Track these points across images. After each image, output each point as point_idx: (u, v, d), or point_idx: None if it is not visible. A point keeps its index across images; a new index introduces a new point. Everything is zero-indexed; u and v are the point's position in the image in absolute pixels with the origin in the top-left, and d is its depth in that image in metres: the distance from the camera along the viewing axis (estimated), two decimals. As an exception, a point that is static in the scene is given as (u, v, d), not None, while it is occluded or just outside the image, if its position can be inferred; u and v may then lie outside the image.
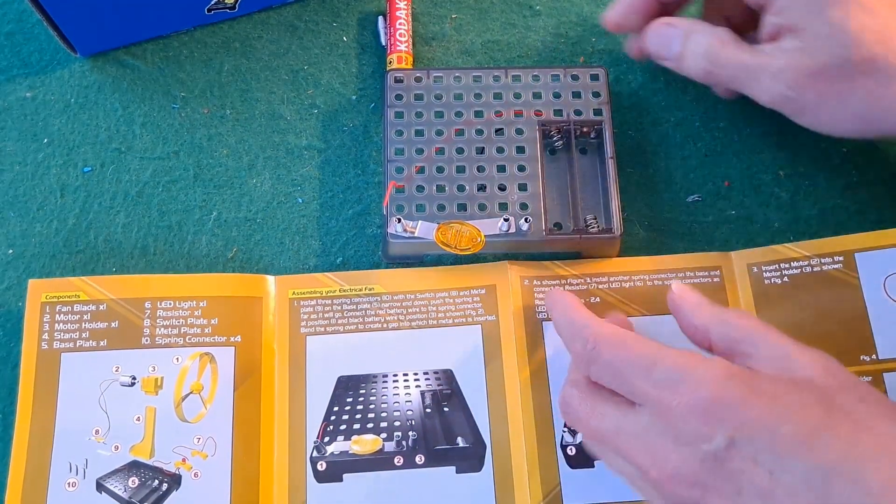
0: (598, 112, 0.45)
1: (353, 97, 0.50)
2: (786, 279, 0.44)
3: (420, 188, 0.43)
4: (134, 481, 0.41)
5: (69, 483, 0.41)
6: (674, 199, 0.47)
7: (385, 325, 0.44)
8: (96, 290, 0.44)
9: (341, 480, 0.41)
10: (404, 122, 0.44)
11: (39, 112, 0.49)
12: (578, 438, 0.42)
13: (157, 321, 0.44)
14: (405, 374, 0.43)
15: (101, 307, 0.44)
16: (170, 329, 0.44)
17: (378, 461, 0.41)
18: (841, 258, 0.44)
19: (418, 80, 0.45)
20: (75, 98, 0.50)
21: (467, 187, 0.43)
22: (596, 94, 0.45)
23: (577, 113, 0.45)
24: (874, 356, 0.42)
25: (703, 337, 0.36)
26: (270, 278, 0.45)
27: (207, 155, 0.49)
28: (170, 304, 0.44)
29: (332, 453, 0.42)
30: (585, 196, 0.45)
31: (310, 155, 0.49)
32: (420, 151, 0.44)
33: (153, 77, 0.50)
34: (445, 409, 0.42)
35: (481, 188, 0.43)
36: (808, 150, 0.48)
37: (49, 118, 0.49)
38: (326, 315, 0.44)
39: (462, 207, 0.42)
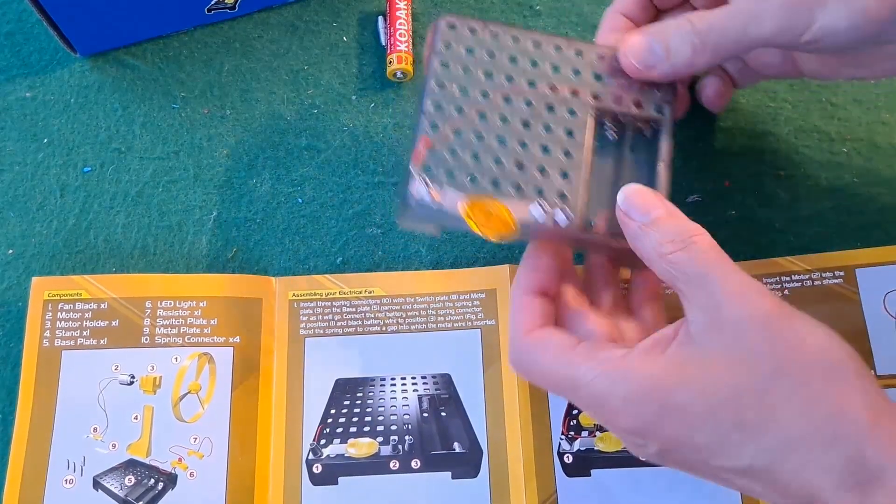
0: (659, 110, 0.40)
1: (353, 97, 0.50)
2: (786, 292, 0.44)
3: (453, 152, 0.37)
4: (130, 480, 0.41)
5: (66, 480, 0.41)
6: (674, 200, 0.46)
7: (384, 328, 0.44)
8: (98, 289, 0.44)
9: (336, 483, 0.41)
10: (449, 73, 0.39)
11: (39, 112, 0.49)
12: (576, 446, 0.42)
13: (157, 321, 0.44)
14: (403, 378, 0.43)
15: (103, 306, 0.44)
16: (169, 329, 0.44)
17: (373, 465, 0.41)
18: (842, 273, 0.44)
19: (472, 31, 0.39)
20: (75, 98, 0.50)
21: (505, 162, 0.37)
22: (661, 89, 0.40)
23: (637, 106, 0.39)
24: (872, 372, 0.42)
25: (649, 265, 0.34)
26: (271, 280, 0.45)
27: (207, 155, 0.49)
28: (170, 303, 0.44)
29: (327, 456, 0.42)
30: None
31: (310, 155, 0.49)
32: (460, 110, 0.38)
33: (153, 77, 0.50)
34: (443, 413, 0.42)
35: (520, 166, 0.38)
36: (808, 150, 0.48)
37: (49, 118, 0.49)
38: (326, 317, 0.44)
39: (495, 184, 0.37)
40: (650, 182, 0.38)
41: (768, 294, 0.31)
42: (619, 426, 0.33)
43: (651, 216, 0.34)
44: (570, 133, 0.38)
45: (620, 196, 0.35)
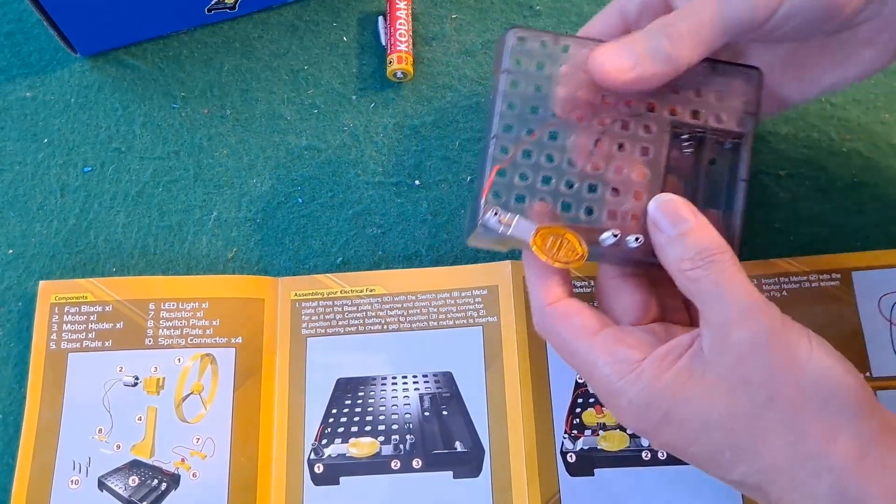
0: (741, 123, 0.37)
1: (353, 97, 0.50)
2: (784, 293, 0.44)
3: (523, 176, 0.35)
4: (134, 480, 0.41)
5: (72, 481, 0.41)
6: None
7: (385, 327, 0.44)
8: (103, 292, 0.44)
9: (338, 483, 0.41)
10: (519, 92, 0.36)
11: (39, 112, 0.49)
12: (579, 445, 0.42)
13: (161, 322, 0.44)
14: (404, 377, 0.43)
15: (108, 308, 0.44)
16: (172, 330, 0.44)
17: (375, 464, 0.42)
18: (838, 276, 0.44)
19: (543, 44, 0.36)
20: (75, 98, 0.50)
21: (577, 185, 0.35)
22: (743, 101, 0.37)
23: (718, 119, 0.37)
24: (868, 374, 0.42)
25: (672, 277, 0.34)
26: (273, 280, 0.45)
27: (207, 155, 0.49)
28: (173, 305, 0.44)
29: (329, 456, 0.42)
30: (706, 211, 0.37)
31: (310, 155, 0.49)
32: (530, 132, 0.36)
33: (153, 77, 0.50)
34: (444, 412, 0.42)
35: (592, 189, 0.36)
36: (808, 149, 0.48)
37: (49, 118, 0.49)
38: (327, 317, 0.44)
39: (566, 207, 0.35)
40: (729, 200, 0.37)
41: (774, 317, 0.32)
42: (623, 421, 0.35)
43: (678, 229, 0.34)
44: (645, 152, 0.36)
45: (652, 205, 0.35)
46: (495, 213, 0.35)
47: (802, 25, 0.35)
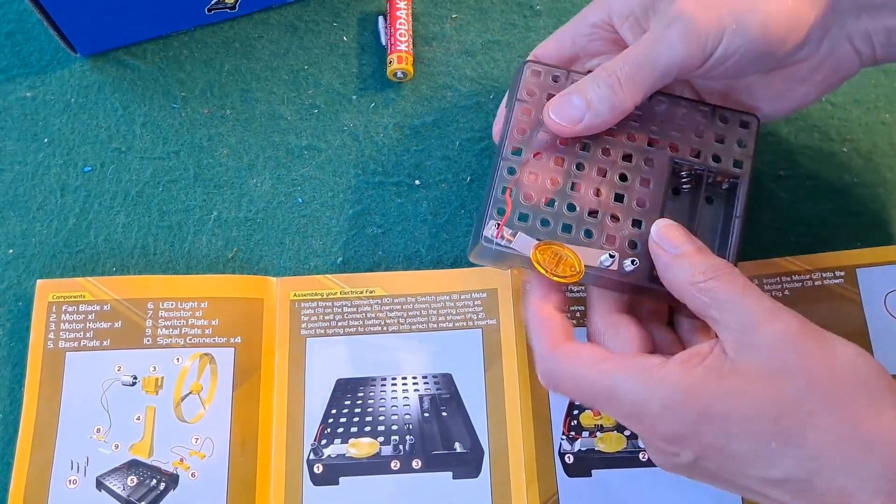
0: (738, 164, 0.39)
1: (353, 97, 0.50)
2: (787, 292, 0.44)
3: (527, 196, 0.38)
4: (133, 480, 0.41)
5: (70, 480, 0.41)
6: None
7: (385, 328, 0.44)
8: (101, 291, 0.44)
9: (337, 483, 0.41)
10: (529, 120, 0.39)
11: (39, 112, 0.49)
12: (577, 447, 0.42)
13: (159, 321, 0.44)
14: (404, 378, 0.43)
15: (106, 307, 0.44)
16: (171, 329, 0.44)
17: (374, 465, 0.42)
18: (842, 273, 0.44)
19: (555, 79, 0.40)
20: (75, 98, 0.50)
21: (578, 209, 0.38)
22: (741, 144, 0.39)
23: (716, 160, 0.39)
24: None
25: (678, 294, 0.35)
26: (272, 280, 0.45)
27: (207, 155, 0.49)
28: (172, 304, 0.44)
29: (328, 456, 0.42)
30: None
31: (310, 155, 0.49)
32: (537, 155, 0.38)
33: (153, 77, 0.50)
34: (444, 413, 0.42)
35: (592, 213, 0.38)
36: (808, 150, 0.48)
37: (49, 118, 0.49)
38: (327, 317, 0.44)
39: (567, 228, 0.37)
40: (724, 237, 0.39)
41: (797, 315, 0.33)
42: (657, 432, 0.33)
43: (684, 248, 0.35)
44: (645, 183, 0.38)
45: (654, 229, 0.36)
46: (498, 228, 0.37)
47: (738, 65, 0.37)
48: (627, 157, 0.39)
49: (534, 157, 0.38)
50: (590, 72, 0.39)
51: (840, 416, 0.31)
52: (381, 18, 0.51)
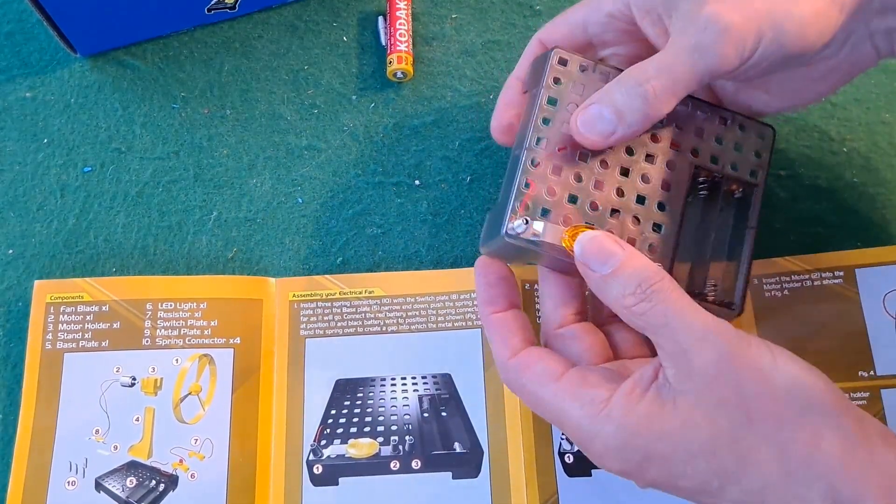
0: (753, 174, 0.39)
1: (353, 97, 0.50)
2: (786, 292, 0.44)
3: (550, 191, 0.36)
4: (132, 481, 0.41)
5: (69, 482, 0.41)
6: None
7: (384, 329, 0.44)
8: (99, 291, 0.44)
9: (337, 484, 0.41)
10: (555, 110, 0.37)
11: (39, 112, 0.49)
12: (576, 446, 0.41)
13: (158, 322, 0.44)
14: (403, 378, 0.43)
15: (104, 308, 0.44)
16: (170, 330, 0.44)
17: (374, 465, 0.41)
18: (841, 273, 0.44)
19: (583, 69, 0.38)
20: (75, 98, 0.50)
21: (600, 208, 0.37)
22: (757, 155, 0.39)
23: (734, 168, 0.39)
24: (872, 372, 0.42)
25: (618, 314, 0.34)
26: (271, 280, 0.45)
27: (207, 155, 0.49)
28: (170, 305, 0.44)
29: (328, 457, 0.42)
30: (713, 258, 0.39)
31: (310, 155, 0.49)
32: (561, 148, 0.37)
33: (153, 77, 0.50)
34: (443, 413, 0.42)
35: (614, 213, 0.37)
36: (808, 149, 0.48)
37: (49, 118, 0.49)
38: (326, 318, 0.44)
39: (588, 228, 0.36)
40: (736, 245, 0.38)
41: (730, 334, 0.31)
42: (605, 465, 0.33)
43: (609, 265, 0.33)
44: (666, 186, 0.38)
45: (577, 246, 0.34)
46: (526, 222, 0.35)
47: (766, 69, 0.36)
48: (649, 158, 0.38)
49: (558, 150, 0.37)
50: (616, 68, 0.38)
51: (779, 449, 0.30)
52: (381, 18, 0.51)
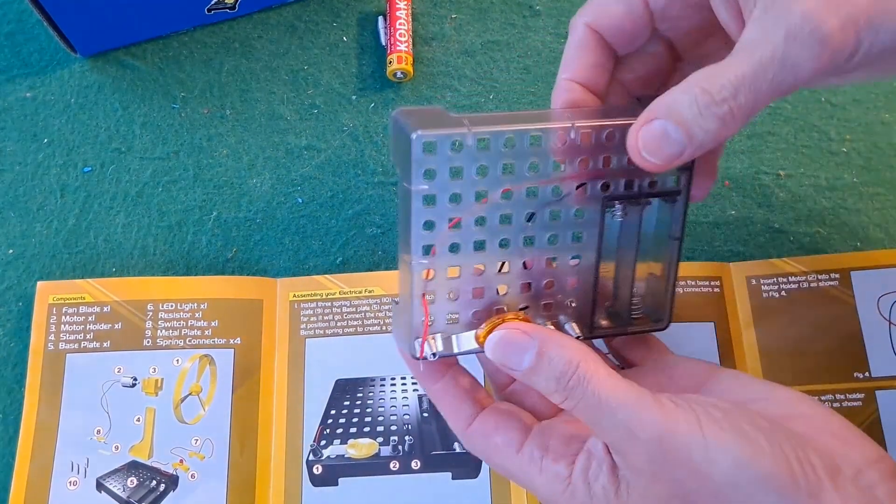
0: (676, 181, 0.34)
1: (353, 97, 0.50)
2: (783, 293, 0.44)
3: (452, 288, 0.33)
4: (133, 481, 0.41)
5: (71, 482, 0.41)
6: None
7: (384, 328, 0.44)
8: (101, 292, 0.44)
9: (337, 484, 0.41)
10: (435, 209, 0.31)
11: (39, 112, 0.49)
12: None
13: (159, 323, 0.44)
14: (403, 378, 0.43)
15: (106, 309, 0.44)
16: (171, 331, 0.44)
17: (374, 465, 0.42)
18: (837, 276, 0.44)
19: (456, 147, 0.31)
20: (75, 98, 0.50)
21: (510, 288, 0.34)
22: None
23: (651, 185, 0.34)
24: (867, 374, 0.42)
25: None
26: (271, 281, 0.45)
27: (207, 155, 0.49)
28: (171, 306, 0.44)
29: (328, 457, 0.42)
30: (639, 271, 0.36)
31: (309, 155, 0.49)
32: (454, 246, 0.32)
33: (153, 77, 0.50)
34: (442, 413, 0.42)
35: (526, 288, 0.34)
36: (808, 149, 0.48)
37: (49, 118, 0.49)
38: (326, 318, 0.44)
39: (501, 312, 0.34)
40: (663, 255, 0.36)
41: (655, 419, 0.29)
42: None
43: (526, 360, 0.31)
44: (577, 237, 0.34)
45: (488, 352, 0.32)
46: (437, 342, 0.33)
47: (852, 69, 0.31)
48: (555, 216, 0.33)
49: (448, 241, 0.32)
50: (494, 115, 0.33)
51: None
52: (380, 18, 0.51)
